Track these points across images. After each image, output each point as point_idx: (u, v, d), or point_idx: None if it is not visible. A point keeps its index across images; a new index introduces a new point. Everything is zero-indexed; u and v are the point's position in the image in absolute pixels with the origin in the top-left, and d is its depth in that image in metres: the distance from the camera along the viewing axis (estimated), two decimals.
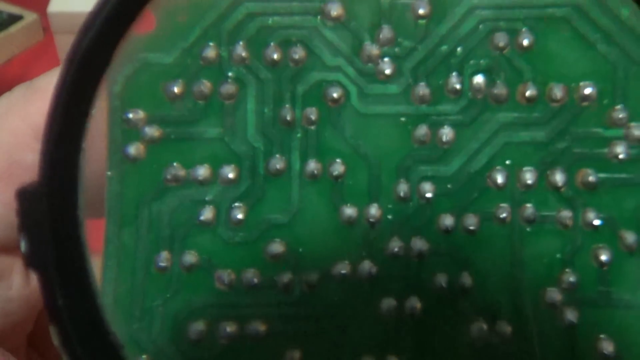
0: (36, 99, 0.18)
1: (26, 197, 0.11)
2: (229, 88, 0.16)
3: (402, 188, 0.17)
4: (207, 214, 0.16)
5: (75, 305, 0.10)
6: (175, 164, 0.16)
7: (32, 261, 0.11)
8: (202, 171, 0.16)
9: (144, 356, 0.16)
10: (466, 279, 0.17)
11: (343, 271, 0.16)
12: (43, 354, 0.19)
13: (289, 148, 0.17)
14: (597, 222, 0.16)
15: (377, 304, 0.17)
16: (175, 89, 0.16)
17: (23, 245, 0.10)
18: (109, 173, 0.15)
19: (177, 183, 0.16)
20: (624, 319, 0.16)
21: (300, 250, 0.17)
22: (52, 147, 0.11)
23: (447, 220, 0.17)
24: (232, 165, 0.16)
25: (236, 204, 0.16)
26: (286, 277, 0.16)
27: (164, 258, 0.16)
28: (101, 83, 0.11)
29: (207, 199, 0.16)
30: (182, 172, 0.16)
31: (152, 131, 0.16)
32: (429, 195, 0.17)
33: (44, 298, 0.11)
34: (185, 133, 0.16)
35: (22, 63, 0.62)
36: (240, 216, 0.16)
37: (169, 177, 0.16)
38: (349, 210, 0.17)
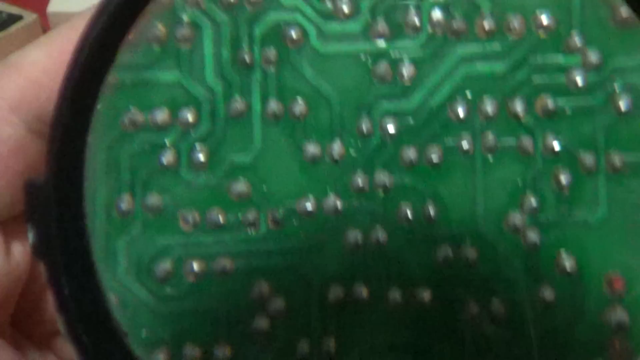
0: (11, 74, 0.18)
1: (33, 190, 0.11)
2: (184, 32, 0.17)
3: (365, 124, 0.17)
4: (168, 157, 0.16)
5: (81, 294, 0.11)
6: (132, 109, 0.16)
7: (39, 251, 0.11)
8: (161, 115, 0.16)
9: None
10: (431, 209, 0.17)
11: (308, 206, 0.17)
12: (27, 335, 0.19)
13: (249, 89, 0.17)
14: (557, 147, 0.16)
15: (344, 237, 0.17)
16: (129, 35, 0.16)
17: (30, 236, 0.11)
18: None
19: (135, 128, 0.16)
20: (583, 238, 0.16)
21: (265, 188, 0.17)
22: (59, 142, 0.11)
23: (411, 154, 0.17)
24: (192, 108, 0.17)
25: (197, 146, 0.17)
26: (251, 214, 0.17)
27: (125, 201, 0.16)
28: (106, 78, 0.11)
29: (167, 142, 0.17)
30: (140, 117, 0.16)
31: (107, 77, 0.16)
32: (391, 130, 0.17)
33: (50, 287, 0.11)
34: (142, 78, 0.16)
35: None
36: (202, 158, 0.17)
37: (126, 122, 0.16)
38: (312, 148, 0.17)
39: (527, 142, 0.17)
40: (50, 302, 0.17)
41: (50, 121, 0.12)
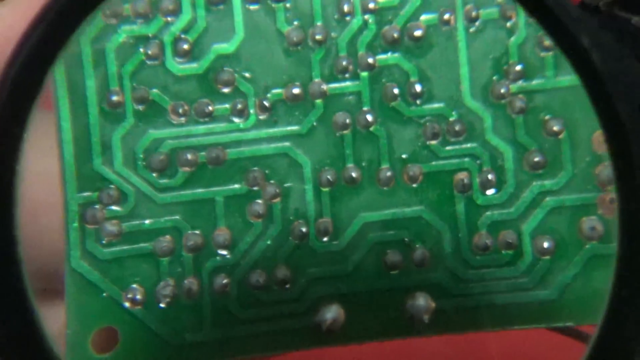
0: None
1: None
2: None
3: (345, 4, 0.17)
4: (152, 48, 0.17)
5: (12, 320, 0.11)
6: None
7: None
8: (142, 5, 0.16)
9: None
10: (416, 85, 0.17)
11: (295, 92, 0.17)
12: None
13: None
14: None
15: (332, 120, 0.17)
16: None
17: None
18: None
19: (117, 19, 0.16)
20: (567, 99, 0.16)
21: (250, 76, 0.17)
22: None
23: (393, 32, 0.17)
24: None
25: (181, 36, 0.17)
26: (240, 103, 0.17)
27: (115, 93, 0.17)
28: (35, 106, 0.11)
29: (150, 34, 0.17)
30: (121, 8, 0.16)
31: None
32: (371, 6, 0.17)
33: None
34: None
35: None
36: (186, 47, 0.17)
37: (108, 12, 0.16)
38: (295, 33, 0.17)
39: (508, 7, 0.17)
40: None
41: None
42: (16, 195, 0.11)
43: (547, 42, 0.16)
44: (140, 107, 0.17)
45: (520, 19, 0.17)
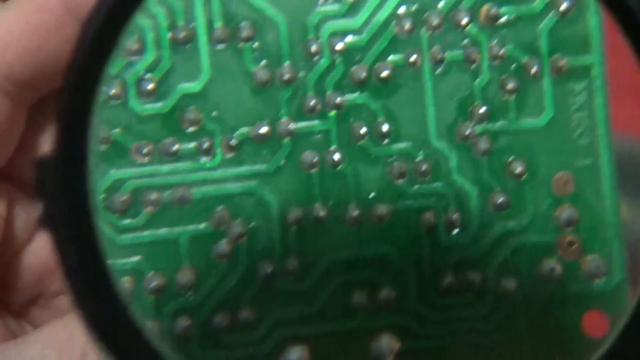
0: None
1: (42, 166, 0.11)
2: None
3: (313, 44, 0.17)
4: (115, 88, 0.16)
5: (84, 263, 0.11)
6: None
7: (45, 222, 0.11)
8: None
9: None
10: (383, 125, 0.17)
11: (262, 131, 0.17)
12: (3, 304, 0.19)
13: (192, 16, 0.17)
14: (502, 52, 0.17)
15: (299, 159, 0.17)
16: None
17: (39, 209, 0.11)
18: None
19: None
20: (530, 141, 0.17)
21: (215, 115, 0.17)
22: (65, 123, 0.11)
23: (360, 71, 0.17)
24: (136, 37, 0.16)
25: (145, 76, 0.16)
26: (206, 142, 0.17)
27: None
28: (109, 62, 0.11)
29: (112, 73, 0.16)
30: None
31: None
32: (339, 47, 0.17)
33: (56, 256, 0.11)
34: None
35: None
36: (150, 87, 0.16)
37: None
38: (262, 72, 0.17)
39: (472, 50, 0.17)
40: (22, 270, 0.17)
41: (57, 100, 0.12)
42: (90, 146, 0.11)
43: (510, 85, 0.17)
44: (102, 147, 0.16)
45: (484, 62, 0.17)
